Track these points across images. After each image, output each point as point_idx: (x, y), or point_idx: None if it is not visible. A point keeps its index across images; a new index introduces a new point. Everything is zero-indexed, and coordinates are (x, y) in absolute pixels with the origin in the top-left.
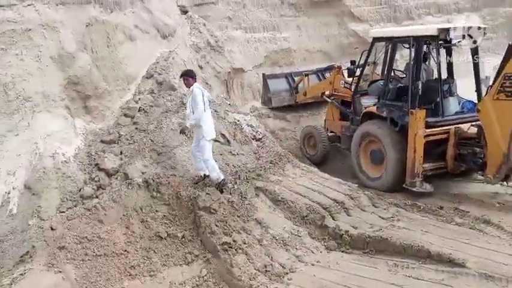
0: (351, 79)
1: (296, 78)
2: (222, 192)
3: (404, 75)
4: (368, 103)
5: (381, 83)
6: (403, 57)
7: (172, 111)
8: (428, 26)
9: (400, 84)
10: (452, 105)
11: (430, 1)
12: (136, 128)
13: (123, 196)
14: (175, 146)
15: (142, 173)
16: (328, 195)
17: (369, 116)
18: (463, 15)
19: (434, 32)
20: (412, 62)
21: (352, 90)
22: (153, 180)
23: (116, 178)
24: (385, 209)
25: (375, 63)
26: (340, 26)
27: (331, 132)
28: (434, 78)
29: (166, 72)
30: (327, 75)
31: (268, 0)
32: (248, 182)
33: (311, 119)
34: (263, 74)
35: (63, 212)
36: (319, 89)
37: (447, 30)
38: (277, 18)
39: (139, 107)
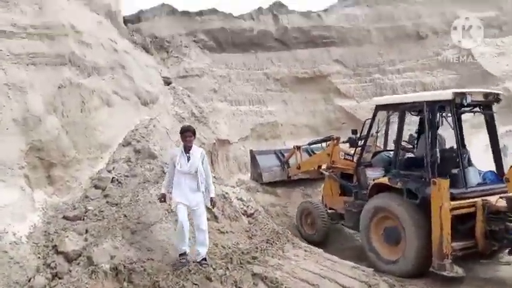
0: (351, 150)
1: (286, 154)
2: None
3: (411, 146)
4: (374, 175)
5: (386, 154)
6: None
7: (151, 182)
8: (442, 91)
9: (408, 155)
10: (473, 176)
11: (416, 80)
12: (107, 202)
13: None
14: (153, 222)
15: (111, 256)
16: (341, 283)
17: (379, 188)
18: None
19: (449, 97)
20: (427, 129)
21: (356, 161)
22: (124, 267)
23: (78, 264)
24: None
25: (378, 132)
26: (327, 102)
27: (331, 209)
28: (448, 147)
29: (146, 139)
30: (318, 151)
31: (253, 75)
32: (242, 266)
33: (303, 194)
34: (251, 151)
35: None
36: (314, 162)
37: (463, 94)
38: (263, 92)
39: (113, 178)
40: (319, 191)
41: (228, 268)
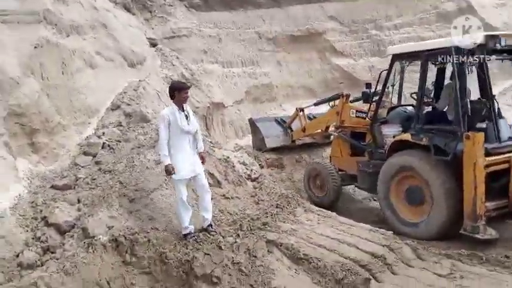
0: (364, 107)
1: (288, 120)
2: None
3: (429, 100)
4: (392, 132)
5: (402, 109)
6: (413, 79)
7: (146, 146)
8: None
9: (427, 109)
10: (504, 129)
11: (414, 35)
12: (99, 169)
13: (80, 264)
14: (153, 189)
15: (109, 227)
16: (362, 248)
17: (398, 146)
18: None
19: (481, 40)
20: (456, 78)
21: (371, 118)
22: (125, 238)
23: (71, 236)
24: (436, 263)
25: (393, 86)
26: (323, 61)
27: (340, 170)
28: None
29: (137, 102)
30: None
31: (244, 35)
32: (254, 233)
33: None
34: (250, 119)
35: None
36: (322, 123)
37: (497, 37)
38: (256, 52)
39: (103, 143)
40: (326, 158)
41: (238, 235)
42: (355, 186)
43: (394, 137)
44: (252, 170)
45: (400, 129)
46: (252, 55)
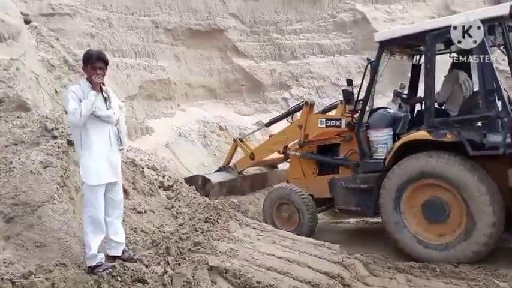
0: (335, 113)
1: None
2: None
3: (406, 96)
4: (382, 137)
5: (386, 111)
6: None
7: (27, 143)
8: (491, 7)
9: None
10: None
11: (313, 42)
12: None
13: None
14: (41, 202)
15: None
16: (315, 267)
17: (403, 150)
18: (345, 57)
19: (503, 12)
20: (480, 59)
21: (354, 124)
22: (13, 283)
23: None
24: (391, 279)
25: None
26: (224, 60)
27: None
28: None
29: (9, 85)
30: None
31: (138, 22)
32: (185, 258)
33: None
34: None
35: None
36: (278, 143)
37: None
38: (151, 43)
39: None
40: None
41: (168, 262)
42: (338, 210)
43: (399, 139)
44: (164, 176)
45: (391, 133)
46: (147, 45)
